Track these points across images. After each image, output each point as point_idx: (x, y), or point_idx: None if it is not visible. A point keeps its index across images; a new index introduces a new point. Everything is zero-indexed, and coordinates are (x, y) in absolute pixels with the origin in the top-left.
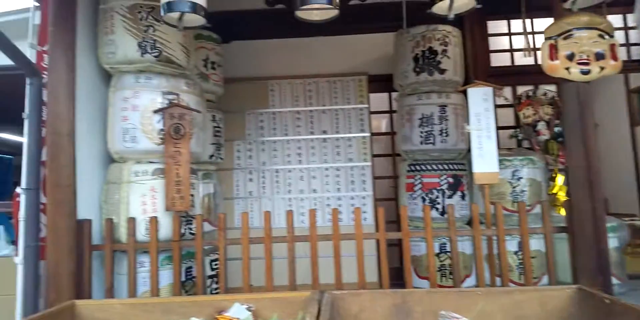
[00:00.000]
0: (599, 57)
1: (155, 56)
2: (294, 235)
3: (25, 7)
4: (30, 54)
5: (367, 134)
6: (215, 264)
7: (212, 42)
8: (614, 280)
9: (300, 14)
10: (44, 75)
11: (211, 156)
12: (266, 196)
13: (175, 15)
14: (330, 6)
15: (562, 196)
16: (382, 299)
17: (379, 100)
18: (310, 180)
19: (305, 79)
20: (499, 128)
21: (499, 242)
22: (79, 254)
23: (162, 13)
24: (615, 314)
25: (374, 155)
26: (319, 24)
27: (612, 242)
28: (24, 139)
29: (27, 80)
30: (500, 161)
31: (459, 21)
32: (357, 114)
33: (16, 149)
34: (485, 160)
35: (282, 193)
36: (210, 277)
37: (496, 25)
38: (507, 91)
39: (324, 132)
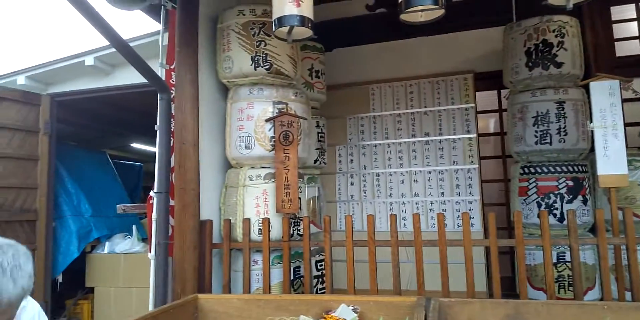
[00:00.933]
0: None
1: (267, 69)
2: (397, 239)
3: (154, 30)
4: (160, 73)
5: (474, 135)
6: (321, 265)
7: (316, 51)
8: None
9: (405, 17)
10: (172, 91)
11: (315, 161)
12: (367, 200)
13: (285, 29)
14: (436, 6)
15: None
16: (494, 309)
17: (487, 99)
18: (412, 184)
19: (406, 81)
20: (627, 125)
21: (628, 251)
22: (201, 251)
23: (273, 28)
24: None
25: (482, 158)
26: (421, 24)
27: None
28: (155, 148)
29: (158, 96)
30: (630, 162)
31: (577, 10)
32: (462, 114)
33: (144, 157)
34: (611, 160)
35: (383, 197)
36: (316, 277)
37: (621, 10)
38: (638, 83)
39: (427, 135)
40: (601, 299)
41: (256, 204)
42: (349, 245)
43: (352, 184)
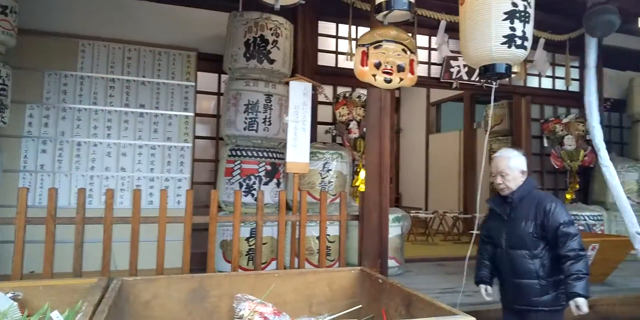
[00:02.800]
0: (400, 69)
1: None
2: (84, 217)
3: None
4: None
5: (191, 114)
6: None
7: None
8: (394, 263)
9: None
10: None
11: None
12: (62, 171)
13: None
14: None
15: (361, 188)
16: (179, 284)
17: (209, 80)
18: (120, 158)
19: (125, 45)
20: (319, 123)
21: (300, 227)
22: None
23: None
24: (386, 291)
25: (197, 137)
26: None
27: (396, 230)
28: None
29: None
30: (314, 153)
31: (293, 15)
32: (181, 91)
33: None
34: (298, 150)
35: (83, 169)
36: None
37: (326, 27)
38: (329, 90)
39: (142, 106)
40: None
41: None
42: (20, 222)
43: (44, 151)
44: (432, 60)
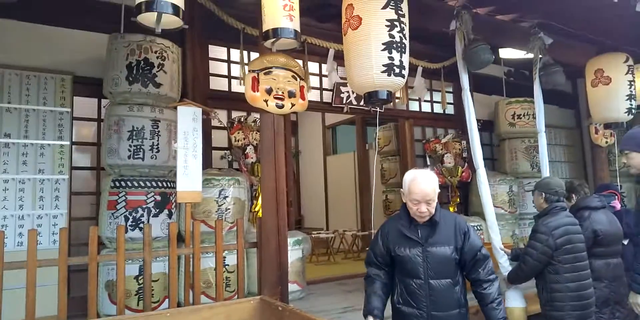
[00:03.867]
0: (291, 94)
1: None
2: None
3: None
4: None
5: (67, 142)
6: None
7: None
8: (296, 287)
9: None
10: None
11: None
12: None
13: None
14: None
15: (260, 214)
16: None
17: (87, 105)
18: None
19: None
20: (213, 148)
21: (193, 259)
22: None
23: None
24: (285, 319)
25: (74, 168)
26: (10, 4)
27: (297, 253)
28: None
29: None
30: (209, 180)
31: (181, 39)
32: (55, 118)
33: None
34: (189, 178)
35: None
36: None
37: (218, 51)
38: (223, 114)
39: (7, 136)
40: (178, 305)
41: None
42: None
43: None
44: (323, 86)
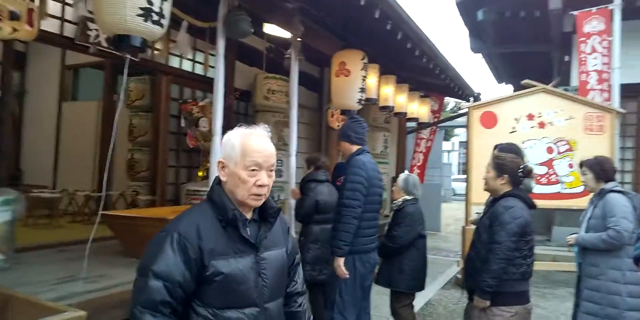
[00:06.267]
0: (14, 16)
1: None
2: None
3: None
4: None
5: None
6: None
7: None
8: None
9: None
10: None
11: None
12: None
13: None
14: None
15: None
16: None
17: None
18: None
19: None
20: None
21: None
22: None
23: None
24: None
25: None
26: None
27: (4, 215)
28: None
29: None
30: None
31: None
32: None
33: None
34: None
35: None
36: None
37: None
38: None
39: None
40: None
41: None
42: None
43: None
44: (67, 17)
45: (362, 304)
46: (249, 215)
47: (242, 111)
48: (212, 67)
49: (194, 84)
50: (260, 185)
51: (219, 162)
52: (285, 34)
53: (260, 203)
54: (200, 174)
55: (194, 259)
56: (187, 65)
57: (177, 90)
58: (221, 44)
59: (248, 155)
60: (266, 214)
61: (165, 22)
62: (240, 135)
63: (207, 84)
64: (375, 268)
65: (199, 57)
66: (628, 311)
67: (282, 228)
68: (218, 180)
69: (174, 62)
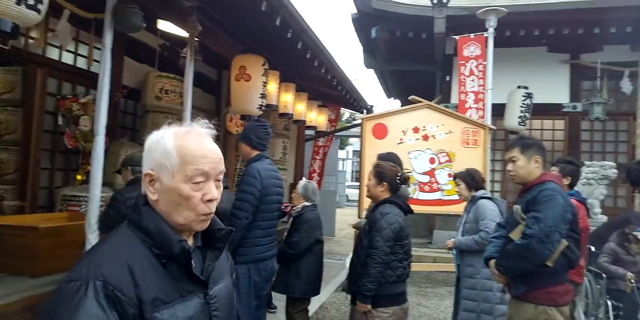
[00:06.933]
0: None
1: None
2: None
3: None
4: None
5: None
6: None
7: None
8: None
9: None
10: None
11: None
12: None
13: None
14: None
15: None
16: None
17: None
18: None
19: None
20: None
21: None
22: None
23: None
24: None
25: None
26: None
27: None
28: None
29: None
30: None
31: None
32: None
33: None
34: None
35: None
36: None
37: None
38: None
39: None
40: None
41: None
42: None
43: None
44: None
45: (255, 313)
46: (190, 242)
47: (130, 110)
48: (97, 61)
49: (75, 78)
50: (209, 200)
51: (146, 174)
52: (181, 32)
53: (207, 225)
54: (78, 177)
55: (132, 315)
56: (67, 58)
57: (54, 84)
58: (108, 37)
59: (190, 162)
60: (212, 238)
61: (42, 7)
62: (173, 136)
63: (90, 79)
64: (273, 276)
65: (82, 49)
66: (498, 305)
67: (228, 258)
68: (144, 200)
69: (53, 53)
